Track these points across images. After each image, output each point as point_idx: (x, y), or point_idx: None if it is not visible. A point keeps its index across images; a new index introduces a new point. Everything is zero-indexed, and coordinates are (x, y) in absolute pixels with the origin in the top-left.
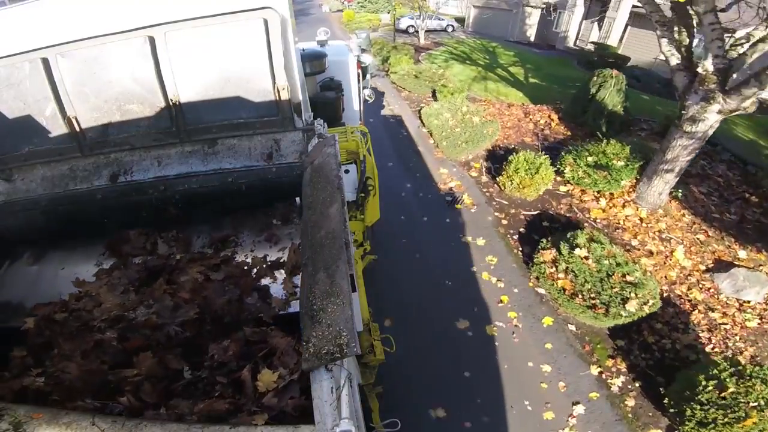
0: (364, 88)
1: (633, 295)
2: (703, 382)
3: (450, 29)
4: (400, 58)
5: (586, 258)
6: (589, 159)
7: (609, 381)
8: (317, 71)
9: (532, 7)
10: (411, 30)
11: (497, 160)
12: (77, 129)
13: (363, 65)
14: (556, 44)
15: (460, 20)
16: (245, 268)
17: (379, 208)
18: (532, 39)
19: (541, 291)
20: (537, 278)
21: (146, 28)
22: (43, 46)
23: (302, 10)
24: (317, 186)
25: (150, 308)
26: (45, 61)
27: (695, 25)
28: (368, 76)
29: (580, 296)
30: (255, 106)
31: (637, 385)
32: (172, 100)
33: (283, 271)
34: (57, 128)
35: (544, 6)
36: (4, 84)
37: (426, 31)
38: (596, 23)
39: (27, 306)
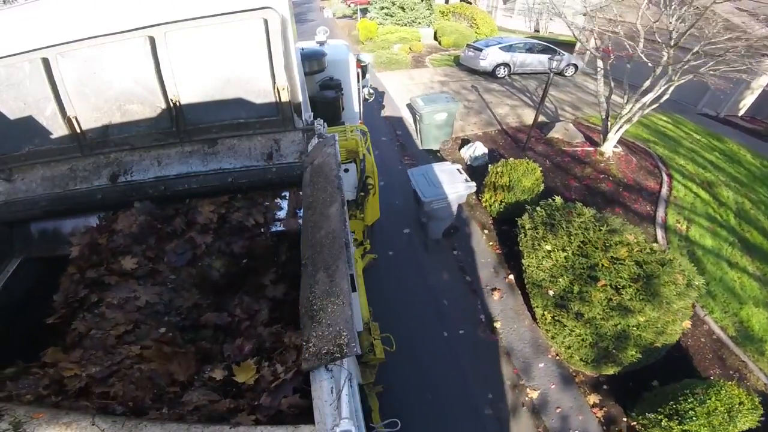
0: (363, 87)
1: None
2: None
3: (569, 72)
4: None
5: None
6: None
7: None
8: (316, 70)
9: None
10: (501, 73)
11: None
12: (77, 129)
13: (363, 64)
14: None
15: (559, 45)
16: (253, 199)
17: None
18: (741, 113)
19: None
20: None
21: (146, 28)
22: (43, 46)
23: (298, 15)
24: (317, 186)
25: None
26: (45, 61)
27: None
28: (368, 75)
29: None
30: (255, 106)
31: None
32: (172, 100)
33: (286, 203)
34: (57, 128)
35: None
36: (4, 84)
37: (514, 73)
38: None
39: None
